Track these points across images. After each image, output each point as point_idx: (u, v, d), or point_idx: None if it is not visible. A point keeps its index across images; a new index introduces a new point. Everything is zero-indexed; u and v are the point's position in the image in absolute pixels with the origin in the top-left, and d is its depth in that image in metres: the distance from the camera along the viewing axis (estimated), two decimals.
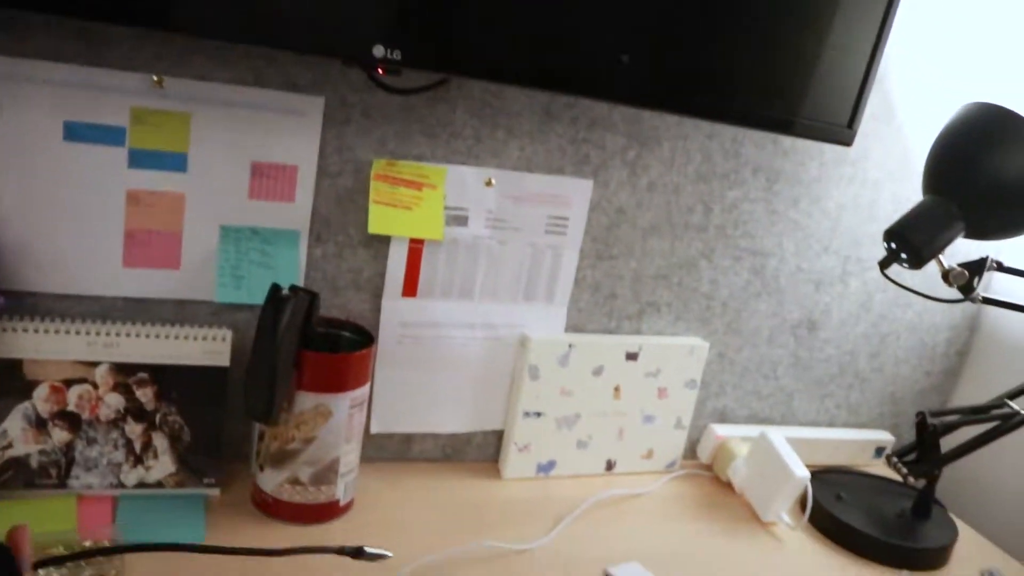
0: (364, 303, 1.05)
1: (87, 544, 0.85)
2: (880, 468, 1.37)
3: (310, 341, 0.91)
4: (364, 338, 0.98)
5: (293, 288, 0.89)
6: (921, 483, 1.20)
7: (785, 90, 0.97)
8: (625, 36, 0.86)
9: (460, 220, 1.04)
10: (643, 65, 0.88)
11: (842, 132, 1.04)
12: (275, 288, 0.88)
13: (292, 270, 0.99)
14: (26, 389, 0.89)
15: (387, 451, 1.13)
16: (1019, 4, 1.23)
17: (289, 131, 0.95)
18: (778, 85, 0.97)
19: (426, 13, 0.80)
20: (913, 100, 1.23)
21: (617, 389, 1.17)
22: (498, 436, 1.17)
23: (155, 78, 0.89)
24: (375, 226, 0.99)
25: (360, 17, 0.77)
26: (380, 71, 0.88)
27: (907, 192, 1.29)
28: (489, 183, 1.04)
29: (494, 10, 0.81)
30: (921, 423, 1.19)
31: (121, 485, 0.95)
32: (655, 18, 0.87)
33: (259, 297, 0.97)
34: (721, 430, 1.28)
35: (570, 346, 1.12)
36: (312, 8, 0.75)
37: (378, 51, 0.79)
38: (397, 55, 0.79)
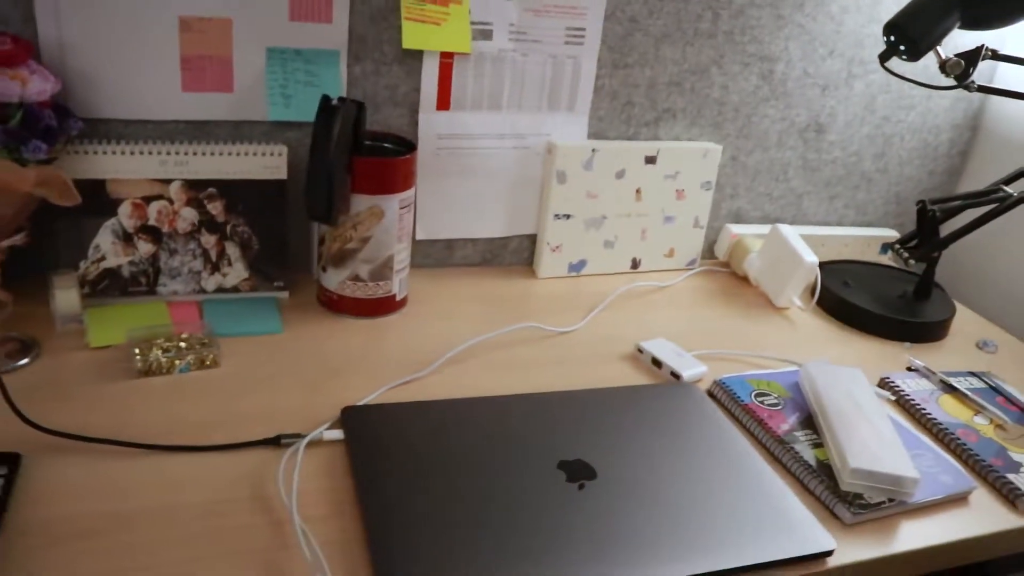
0: (402, 117, 1.13)
1: (184, 337, 0.97)
2: (885, 261, 1.48)
3: (360, 148, 1.00)
4: (406, 147, 1.07)
5: (341, 98, 0.97)
6: (922, 267, 1.31)
7: None
8: None
9: (485, 34, 1.11)
10: None
11: None
12: (325, 99, 0.97)
13: (335, 88, 1.07)
14: (112, 206, 0.99)
15: (432, 257, 1.24)
16: None
17: None
18: None
19: None
20: None
21: (638, 191, 1.27)
22: (531, 239, 1.28)
23: None
24: (408, 41, 1.07)
25: None
26: None
27: None
28: None
29: None
30: (921, 210, 1.28)
31: (202, 291, 1.06)
32: None
33: (307, 114, 1.06)
34: (736, 229, 1.38)
35: (593, 151, 1.21)
36: None
37: None
38: None
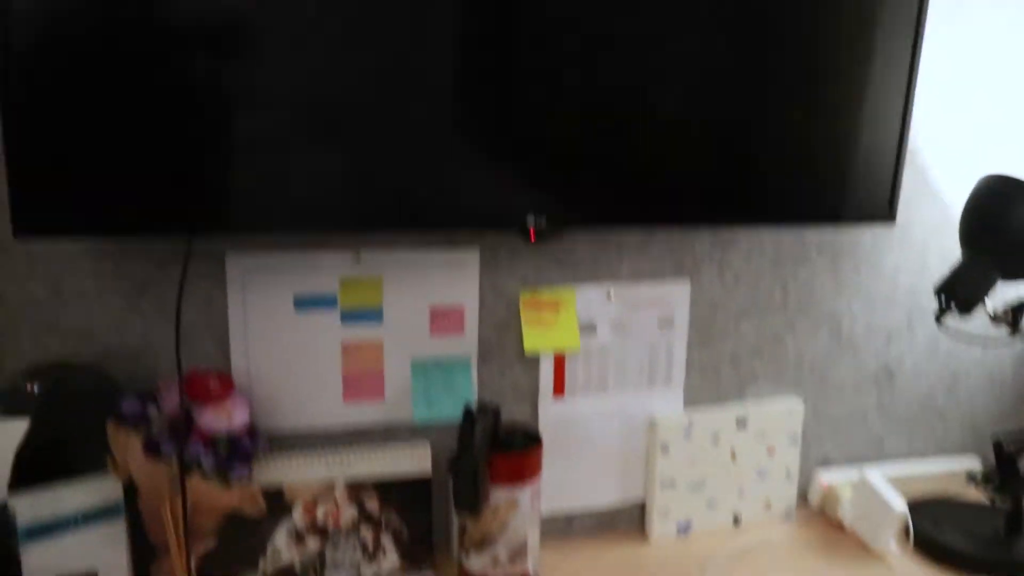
0: (524, 406, 1.30)
1: None
2: (972, 493, 1.56)
3: (497, 446, 1.16)
4: (533, 439, 1.23)
5: (482, 407, 1.14)
6: (1008, 503, 1.39)
7: (829, 189, 1.22)
8: (703, 177, 1.13)
9: (590, 330, 1.30)
10: (719, 197, 1.15)
11: (884, 213, 1.28)
12: (467, 408, 1.14)
13: (468, 389, 1.25)
14: (287, 509, 1.15)
15: (554, 530, 1.36)
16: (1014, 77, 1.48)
17: (455, 278, 1.22)
18: (823, 186, 1.22)
19: (565, 190, 1.07)
20: (943, 166, 1.47)
21: (733, 452, 1.40)
22: (641, 506, 1.40)
23: (355, 254, 1.18)
24: (529, 345, 1.25)
25: (517, 199, 1.05)
26: (531, 238, 1.15)
27: (951, 244, 1.52)
28: (609, 296, 1.30)
29: (614, 178, 1.08)
30: (998, 448, 1.38)
31: None
32: (715, 161, 1.14)
33: (447, 414, 1.23)
34: (826, 476, 1.49)
35: (690, 422, 1.36)
36: (486, 197, 1.03)
37: (530, 220, 1.06)
38: (543, 222, 1.06)
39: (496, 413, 1.16)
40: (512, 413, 1.30)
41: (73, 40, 0.88)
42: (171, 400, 1.04)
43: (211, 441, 1.04)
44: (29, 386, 1.02)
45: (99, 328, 1.11)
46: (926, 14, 1.20)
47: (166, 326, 1.13)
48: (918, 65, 1.23)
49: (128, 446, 1.02)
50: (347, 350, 1.20)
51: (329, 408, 1.21)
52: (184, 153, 0.94)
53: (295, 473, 1.15)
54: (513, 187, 1.05)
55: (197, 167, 0.95)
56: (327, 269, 1.17)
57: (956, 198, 1.49)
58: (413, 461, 1.20)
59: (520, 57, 1.02)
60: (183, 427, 1.02)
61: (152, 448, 1.01)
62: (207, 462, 1.02)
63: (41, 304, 1.08)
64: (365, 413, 1.23)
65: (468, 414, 1.13)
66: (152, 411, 1.04)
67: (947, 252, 1.52)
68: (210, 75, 0.92)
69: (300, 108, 0.96)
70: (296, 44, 0.94)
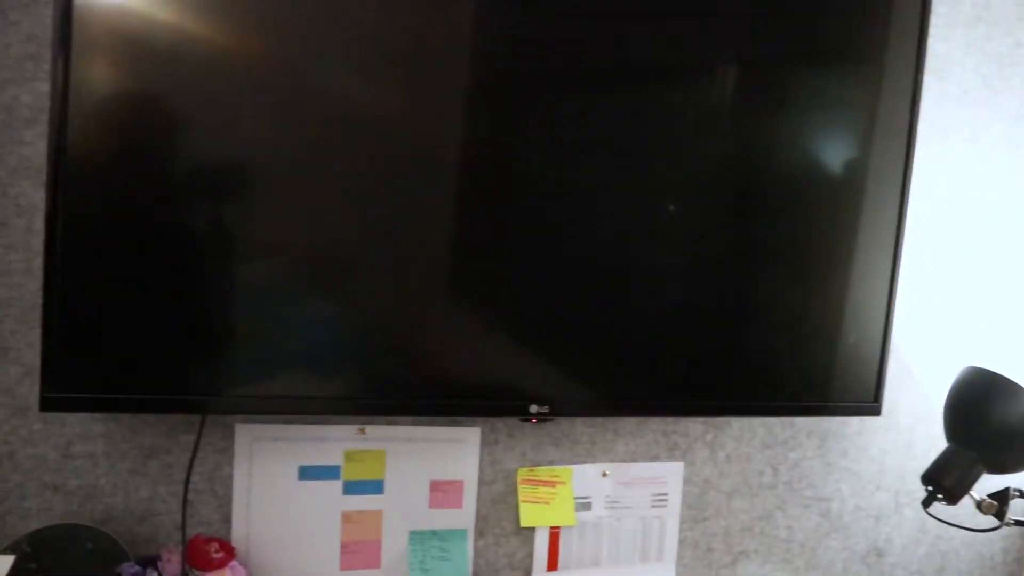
0: None
1: None
2: None
3: None
4: None
5: None
6: None
7: (817, 382, 1.28)
8: (707, 363, 1.20)
9: (585, 506, 1.33)
10: (711, 389, 1.21)
11: (870, 406, 1.33)
12: None
13: (463, 561, 1.28)
14: None
15: None
16: (987, 277, 1.56)
17: (456, 453, 1.27)
18: (811, 379, 1.28)
19: (566, 380, 1.13)
20: (924, 359, 1.53)
21: None
22: None
23: (360, 428, 1.23)
24: (526, 520, 1.29)
25: (520, 387, 1.11)
26: (532, 421, 1.20)
27: (936, 430, 1.56)
28: (604, 475, 1.34)
29: (612, 369, 1.15)
30: None
31: None
32: (709, 354, 1.21)
33: None
34: None
35: None
36: (490, 386, 1.09)
37: (532, 408, 1.12)
38: (546, 409, 1.12)
39: None
40: None
41: (120, 229, 0.97)
42: (172, 566, 1.07)
43: None
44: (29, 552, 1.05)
45: (105, 489, 1.14)
46: (905, 222, 1.30)
47: (171, 491, 1.17)
48: (899, 264, 1.32)
49: None
50: (347, 519, 1.24)
51: (325, 574, 1.23)
52: (204, 333, 1.01)
53: None
54: (517, 376, 1.11)
55: (216, 347, 1.01)
56: (332, 441, 1.22)
57: (939, 388, 1.55)
58: None
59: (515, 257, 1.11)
60: None
61: None
62: None
63: (49, 464, 1.13)
64: None
65: None
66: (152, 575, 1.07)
67: (933, 438, 1.57)
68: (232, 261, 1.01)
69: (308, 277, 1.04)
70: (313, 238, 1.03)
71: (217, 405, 1.02)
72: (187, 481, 1.04)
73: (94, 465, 1.14)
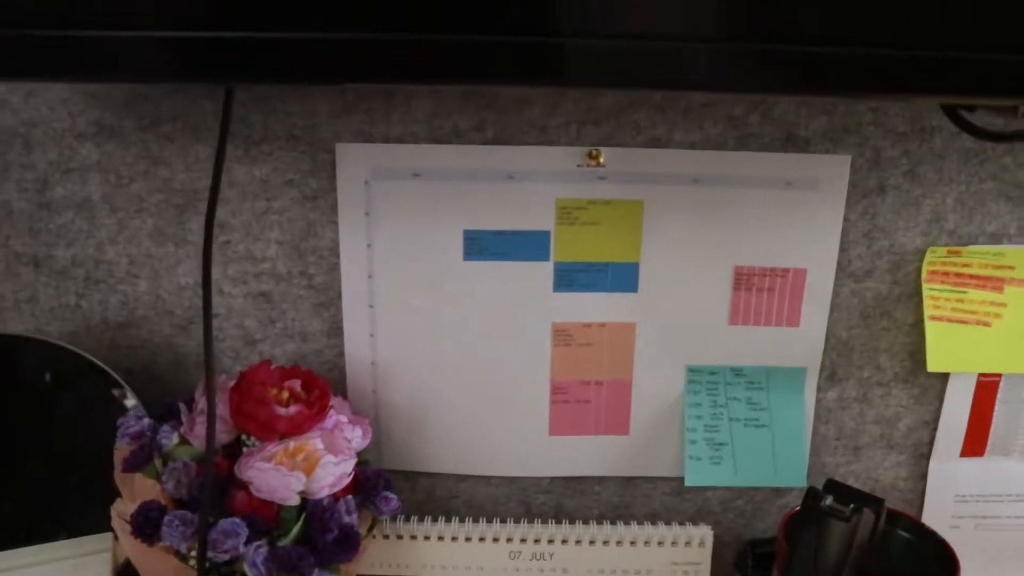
0: (899, 467, 0.66)
1: None
2: None
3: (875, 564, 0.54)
4: (939, 554, 0.58)
5: (856, 503, 0.52)
6: None
7: None
8: None
9: None
10: None
11: None
12: (812, 496, 0.52)
13: (797, 430, 0.63)
14: None
15: None
16: None
17: (792, 213, 0.59)
18: None
19: None
20: None
21: None
22: None
23: (590, 152, 0.58)
24: (937, 360, 0.61)
25: None
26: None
27: None
28: None
29: None
30: None
31: None
32: None
33: (750, 478, 0.63)
34: None
35: None
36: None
37: None
38: None
39: (878, 515, 0.53)
40: (872, 476, 0.67)
41: None
42: (198, 427, 0.52)
43: (274, 522, 0.51)
44: None
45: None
46: None
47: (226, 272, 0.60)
48: None
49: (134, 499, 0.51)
50: (563, 338, 0.62)
51: (522, 442, 0.64)
52: None
53: (450, 558, 0.61)
54: None
55: None
56: (533, 181, 0.58)
57: None
58: (675, 561, 0.61)
59: None
60: (214, 484, 0.49)
61: (146, 524, 0.49)
62: (258, 571, 0.49)
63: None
64: (588, 455, 0.65)
65: (815, 511, 0.52)
66: (167, 440, 0.52)
67: None
68: None
69: None
70: None
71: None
72: (207, 239, 0.46)
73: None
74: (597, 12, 0.36)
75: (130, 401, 0.57)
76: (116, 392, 0.58)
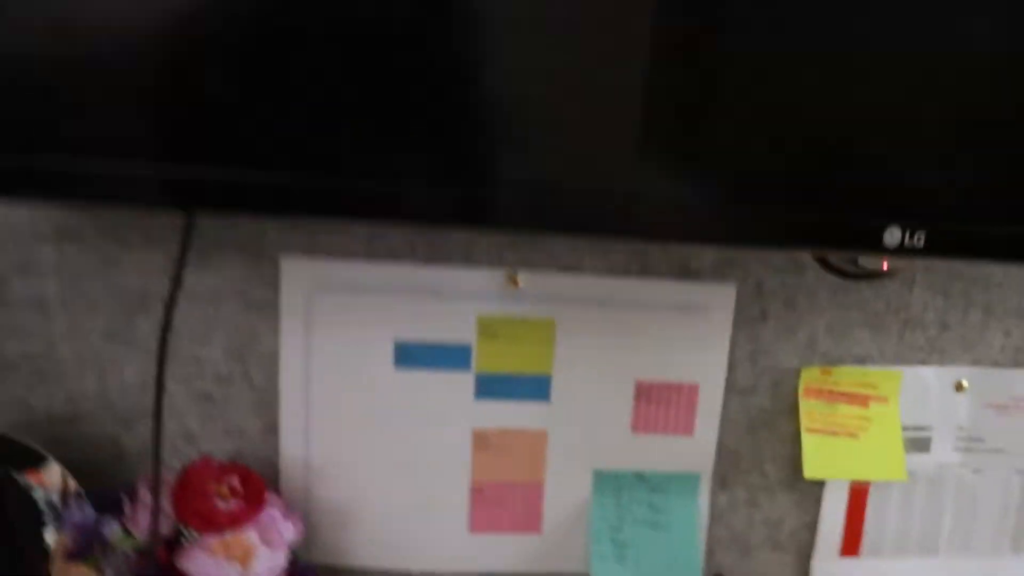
0: (785, 566, 0.73)
1: None
2: None
3: None
4: None
5: None
6: None
7: None
8: None
9: (919, 444, 0.71)
10: None
11: None
12: None
13: (690, 529, 0.70)
14: None
15: None
16: None
17: (686, 334, 0.67)
18: None
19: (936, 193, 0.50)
20: None
21: None
22: None
23: (509, 272, 0.65)
24: (813, 467, 0.68)
25: (870, 200, 0.48)
26: (883, 266, 0.59)
27: None
28: (960, 387, 0.71)
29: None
30: None
31: None
32: None
33: (650, 572, 0.68)
34: None
35: None
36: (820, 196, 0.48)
37: (891, 237, 0.49)
38: (920, 241, 0.49)
39: None
40: (763, 572, 0.73)
41: None
42: (142, 516, 0.56)
43: None
44: None
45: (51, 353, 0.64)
46: None
47: (176, 372, 0.65)
48: None
49: None
50: (482, 443, 0.68)
51: (441, 539, 0.69)
52: None
53: None
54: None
55: None
56: (457, 299, 0.65)
57: None
58: None
59: None
60: (156, 570, 0.53)
61: None
62: None
63: None
64: (504, 553, 0.70)
65: None
66: (109, 531, 0.55)
67: None
68: None
69: None
70: None
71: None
72: (162, 343, 0.51)
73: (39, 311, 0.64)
74: (518, 162, 0.44)
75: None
76: (56, 483, 0.61)
